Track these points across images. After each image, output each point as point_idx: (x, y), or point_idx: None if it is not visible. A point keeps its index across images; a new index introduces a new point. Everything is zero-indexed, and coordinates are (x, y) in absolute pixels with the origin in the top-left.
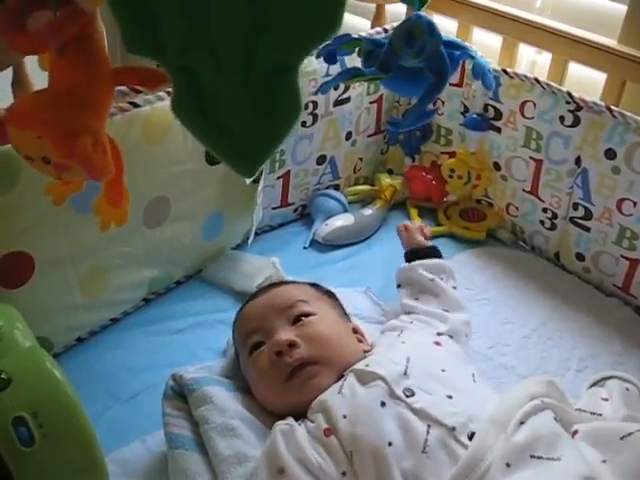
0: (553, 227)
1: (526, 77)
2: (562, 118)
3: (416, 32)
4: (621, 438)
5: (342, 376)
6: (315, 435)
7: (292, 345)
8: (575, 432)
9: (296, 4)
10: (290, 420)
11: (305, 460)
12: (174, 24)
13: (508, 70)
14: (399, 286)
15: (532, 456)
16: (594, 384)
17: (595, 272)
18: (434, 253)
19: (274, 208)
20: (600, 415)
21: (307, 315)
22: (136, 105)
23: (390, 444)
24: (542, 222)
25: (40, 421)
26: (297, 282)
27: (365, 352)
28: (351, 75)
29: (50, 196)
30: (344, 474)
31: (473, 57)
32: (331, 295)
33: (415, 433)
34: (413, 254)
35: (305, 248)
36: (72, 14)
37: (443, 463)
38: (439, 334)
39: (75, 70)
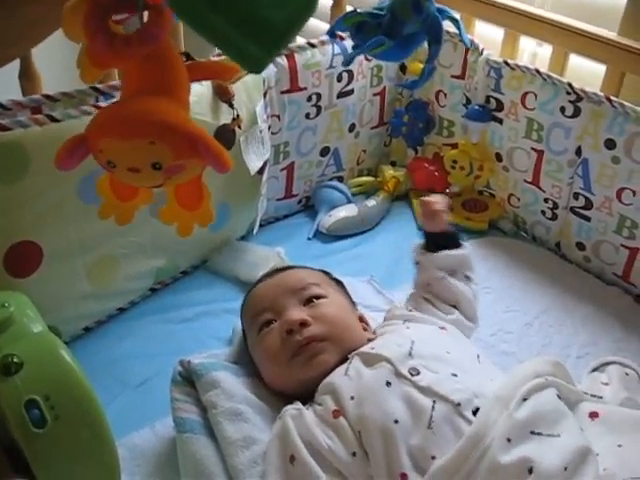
0: (554, 217)
1: (527, 69)
2: (563, 109)
3: (422, 0)
4: None
5: (347, 359)
6: (323, 418)
7: (303, 324)
8: (595, 414)
9: None
10: (298, 404)
11: (315, 443)
12: None
13: (509, 62)
14: (416, 263)
15: (532, 432)
16: (594, 369)
17: (595, 261)
18: (452, 241)
19: (278, 199)
20: (601, 398)
21: (318, 297)
22: None
23: (396, 421)
24: (543, 212)
25: (52, 403)
26: (308, 267)
27: (369, 340)
28: (376, 45)
29: (113, 216)
30: (354, 454)
31: (453, 18)
32: (339, 283)
33: (420, 409)
34: (430, 237)
35: (309, 239)
36: (161, 18)
37: (448, 439)
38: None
39: (161, 73)
